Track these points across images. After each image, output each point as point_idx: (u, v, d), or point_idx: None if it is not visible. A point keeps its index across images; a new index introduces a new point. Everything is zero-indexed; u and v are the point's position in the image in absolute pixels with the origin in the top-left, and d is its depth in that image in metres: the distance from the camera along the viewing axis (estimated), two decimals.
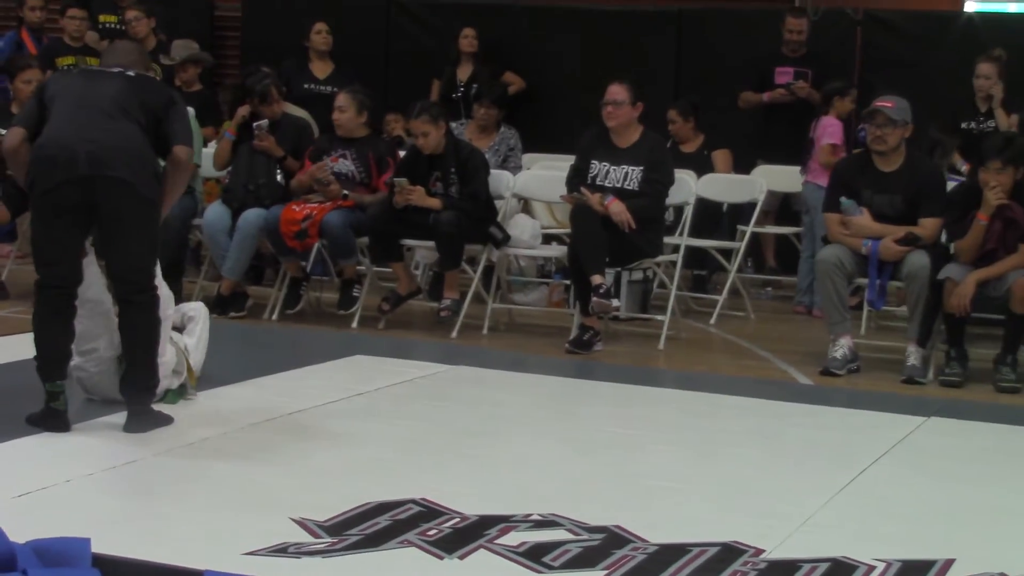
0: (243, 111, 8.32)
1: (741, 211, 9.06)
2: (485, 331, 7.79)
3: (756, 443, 5.47)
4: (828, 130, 8.66)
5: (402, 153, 8.32)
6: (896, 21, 10.41)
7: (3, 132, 7.98)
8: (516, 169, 8.96)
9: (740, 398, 6.29)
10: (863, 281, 7.10)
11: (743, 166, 9.36)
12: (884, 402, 6.32)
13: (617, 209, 7.32)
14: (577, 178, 7.61)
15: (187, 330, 5.92)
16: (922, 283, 6.86)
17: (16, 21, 10.73)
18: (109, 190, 4.96)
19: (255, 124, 8.21)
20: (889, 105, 7.02)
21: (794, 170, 9.10)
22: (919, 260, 6.87)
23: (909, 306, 7.04)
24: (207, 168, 8.52)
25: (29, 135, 5.12)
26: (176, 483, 4.58)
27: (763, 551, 3.97)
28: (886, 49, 10.28)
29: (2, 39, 10.74)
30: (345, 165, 8.02)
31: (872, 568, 3.88)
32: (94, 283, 5.30)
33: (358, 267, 8.10)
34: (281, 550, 3.80)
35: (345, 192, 7.91)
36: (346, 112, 8.09)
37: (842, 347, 6.99)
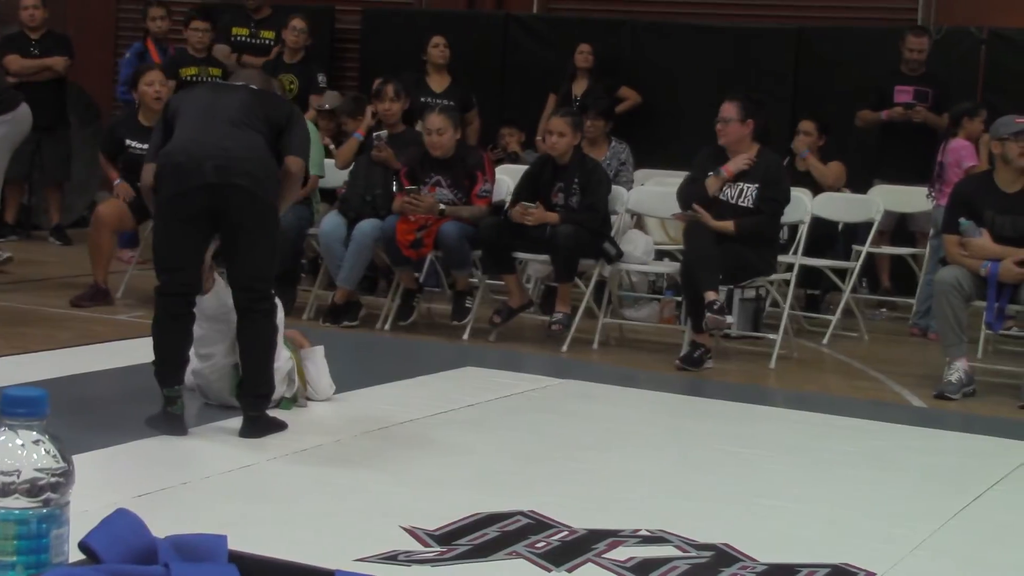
0: (371, 110, 8.48)
1: (856, 230, 8.97)
2: (595, 346, 7.79)
3: (868, 465, 5.40)
4: (963, 153, 8.50)
5: (497, 160, 8.30)
6: (1022, 41, 10.23)
7: (135, 144, 8.21)
8: (627, 184, 8.95)
9: (852, 419, 6.21)
10: (981, 304, 6.98)
11: (859, 185, 9.26)
12: (1001, 428, 6.20)
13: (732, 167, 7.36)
14: (691, 194, 7.59)
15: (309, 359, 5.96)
16: None
17: (143, 32, 10.98)
18: (234, 198, 5.05)
19: (375, 135, 8.32)
20: None
21: (911, 190, 8.99)
22: None
23: None
24: (328, 178, 8.67)
25: None
26: (288, 488, 4.64)
27: (874, 574, 3.93)
28: (1011, 69, 10.10)
29: (129, 50, 11.01)
30: (442, 194, 7.99)
31: None
32: (219, 293, 5.38)
33: (471, 279, 8.15)
34: (391, 557, 3.84)
35: (442, 207, 7.89)
36: (445, 134, 7.99)
37: (958, 370, 6.88)
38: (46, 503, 1.40)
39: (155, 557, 1.27)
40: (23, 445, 1.41)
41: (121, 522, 1.32)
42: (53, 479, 1.40)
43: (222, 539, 1.34)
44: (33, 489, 1.39)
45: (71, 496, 1.44)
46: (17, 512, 1.39)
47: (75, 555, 1.41)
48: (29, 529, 1.39)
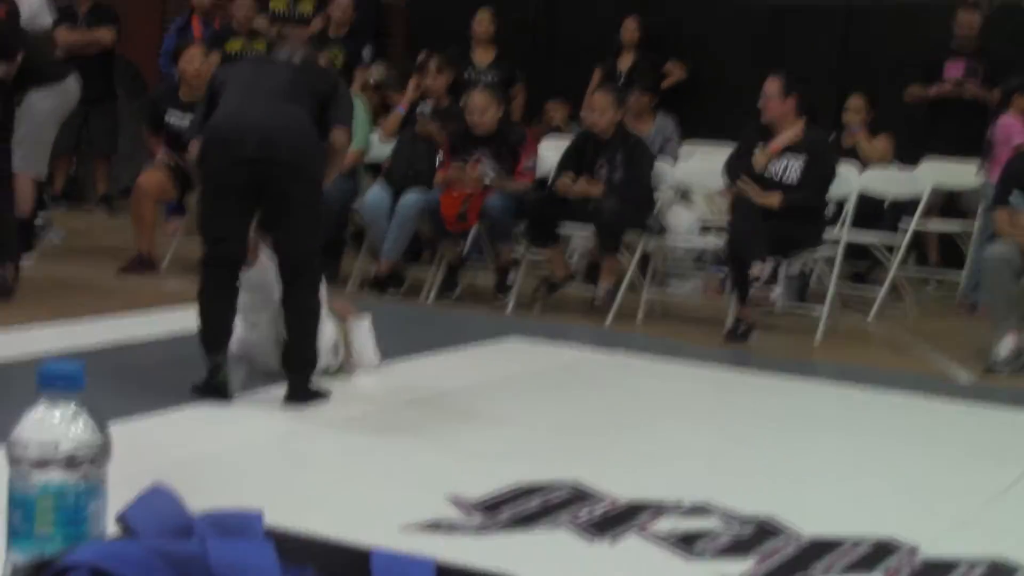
0: (414, 83, 8.47)
1: (904, 206, 8.89)
2: (640, 318, 7.77)
3: (914, 439, 5.37)
4: (1013, 130, 8.40)
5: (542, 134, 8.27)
6: None
7: (174, 119, 8.25)
8: (673, 158, 8.91)
9: (899, 394, 6.17)
10: None
11: (908, 160, 9.18)
12: None
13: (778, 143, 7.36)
14: (737, 168, 7.55)
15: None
16: None
17: (189, 6, 11.01)
18: (277, 171, 5.06)
19: (418, 109, 8.31)
20: None
21: (960, 166, 8.91)
22: None
23: None
24: (373, 151, 8.68)
25: None
26: (333, 456, 4.67)
27: (918, 548, 3.91)
28: None
29: (173, 23, 11.04)
30: (483, 170, 8.00)
31: None
32: (263, 266, 5.40)
33: (514, 252, 8.14)
34: (434, 527, 3.85)
35: (488, 178, 7.88)
36: (487, 113, 7.96)
37: (1008, 345, 6.82)
38: (84, 476, 1.40)
39: (191, 532, 1.28)
40: (61, 418, 1.41)
41: (158, 497, 1.33)
42: (90, 452, 1.41)
43: (258, 515, 1.34)
44: (71, 462, 1.40)
45: (108, 470, 1.44)
46: (56, 485, 1.40)
47: (112, 529, 1.42)
48: (67, 502, 1.40)
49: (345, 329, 5.82)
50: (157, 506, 1.31)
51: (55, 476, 1.40)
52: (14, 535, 1.42)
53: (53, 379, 1.41)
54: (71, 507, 1.40)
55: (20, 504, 1.41)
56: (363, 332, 5.90)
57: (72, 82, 8.26)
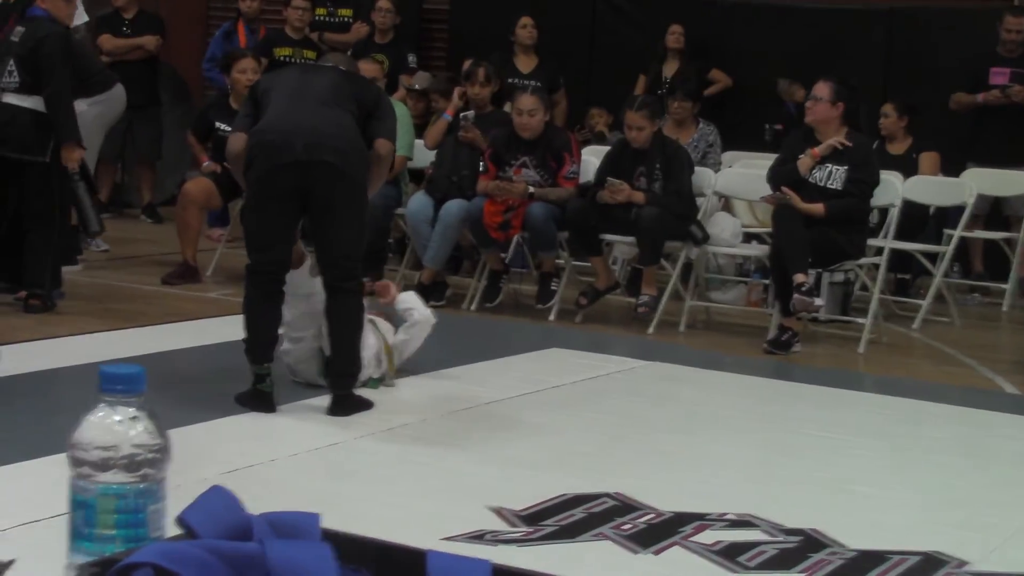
0: (459, 91, 8.46)
1: (948, 214, 8.84)
2: (682, 328, 7.74)
3: (960, 452, 5.33)
4: None
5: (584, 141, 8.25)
6: None
7: (225, 128, 8.28)
8: (715, 166, 8.89)
9: (943, 405, 6.12)
10: None
11: (952, 168, 9.12)
12: None
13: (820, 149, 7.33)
14: (782, 175, 7.51)
15: (402, 327, 5.98)
16: None
17: (234, 12, 11.06)
18: (323, 176, 5.07)
19: (462, 115, 8.31)
20: None
21: (1005, 173, 8.85)
22: None
23: None
24: (416, 159, 8.69)
25: None
26: (376, 467, 4.67)
27: (966, 563, 3.87)
28: None
29: (218, 29, 11.10)
30: (528, 175, 7.96)
31: None
32: (308, 276, 5.43)
33: (557, 260, 8.13)
34: (478, 537, 3.84)
35: (531, 190, 7.87)
36: (536, 115, 7.94)
37: None
38: (144, 478, 1.41)
39: (250, 534, 1.28)
40: (121, 421, 1.42)
41: (217, 498, 1.33)
42: (150, 455, 1.41)
43: (316, 517, 1.34)
44: (131, 464, 1.40)
45: (167, 472, 1.45)
46: (116, 487, 1.40)
47: (171, 531, 1.43)
48: (127, 504, 1.41)
49: (388, 339, 5.82)
50: (216, 507, 1.31)
51: (115, 477, 1.40)
52: (76, 536, 1.42)
53: (113, 382, 1.41)
54: (131, 508, 1.41)
55: (81, 505, 1.42)
56: (423, 330, 5.92)
57: (119, 90, 8.32)
